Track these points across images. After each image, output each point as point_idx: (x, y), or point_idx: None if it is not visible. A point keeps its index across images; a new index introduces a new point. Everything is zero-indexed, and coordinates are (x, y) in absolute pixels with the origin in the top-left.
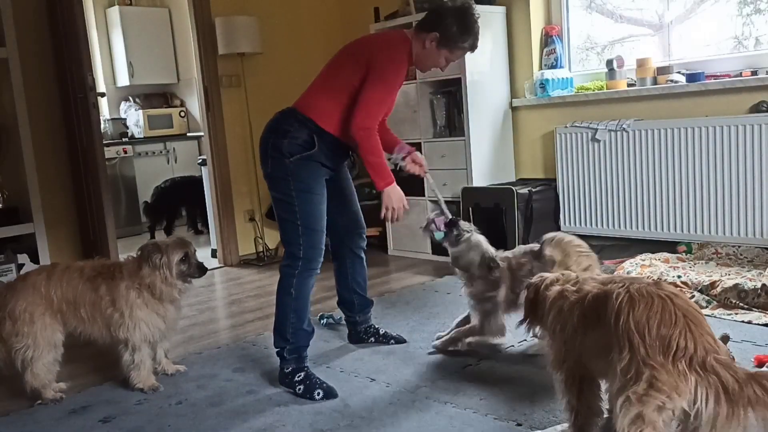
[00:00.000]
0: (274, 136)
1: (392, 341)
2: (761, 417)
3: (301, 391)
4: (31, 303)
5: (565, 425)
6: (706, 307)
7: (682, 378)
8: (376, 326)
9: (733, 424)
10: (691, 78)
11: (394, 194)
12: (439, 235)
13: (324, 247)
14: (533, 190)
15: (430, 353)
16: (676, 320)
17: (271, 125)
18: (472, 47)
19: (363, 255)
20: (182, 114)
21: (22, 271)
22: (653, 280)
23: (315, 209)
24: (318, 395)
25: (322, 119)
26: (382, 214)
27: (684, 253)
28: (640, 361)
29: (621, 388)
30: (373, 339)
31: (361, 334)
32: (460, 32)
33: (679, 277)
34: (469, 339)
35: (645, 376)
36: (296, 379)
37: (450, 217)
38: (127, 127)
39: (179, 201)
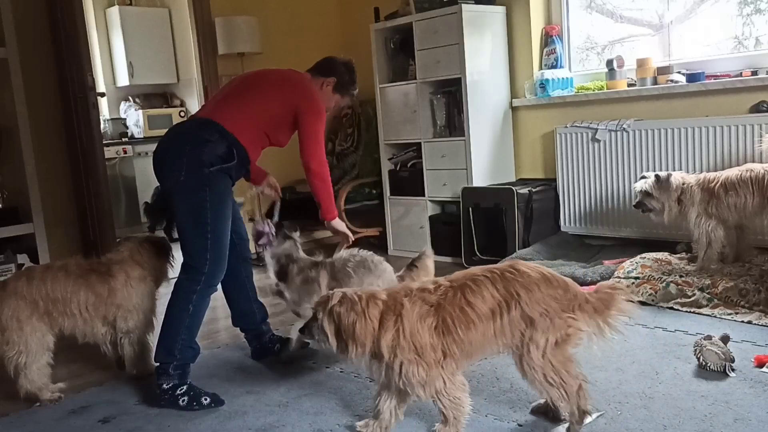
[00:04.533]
0: (192, 144)
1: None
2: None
3: (185, 403)
4: (16, 309)
5: (566, 425)
6: (707, 305)
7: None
8: (276, 334)
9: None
10: (691, 78)
11: (341, 225)
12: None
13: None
14: (533, 190)
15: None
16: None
17: (187, 134)
18: (354, 97)
19: (249, 257)
20: (182, 114)
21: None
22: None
23: (226, 222)
24: (205, 401)
25: (242, 136)
26: (345, 246)
27: (684, 253)
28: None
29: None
30: (279, 346)
31: (267, 344)
32: (351, 81)
33: (680, 276)
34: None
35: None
36: (178, 392)
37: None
38: (127, 127)
39: None
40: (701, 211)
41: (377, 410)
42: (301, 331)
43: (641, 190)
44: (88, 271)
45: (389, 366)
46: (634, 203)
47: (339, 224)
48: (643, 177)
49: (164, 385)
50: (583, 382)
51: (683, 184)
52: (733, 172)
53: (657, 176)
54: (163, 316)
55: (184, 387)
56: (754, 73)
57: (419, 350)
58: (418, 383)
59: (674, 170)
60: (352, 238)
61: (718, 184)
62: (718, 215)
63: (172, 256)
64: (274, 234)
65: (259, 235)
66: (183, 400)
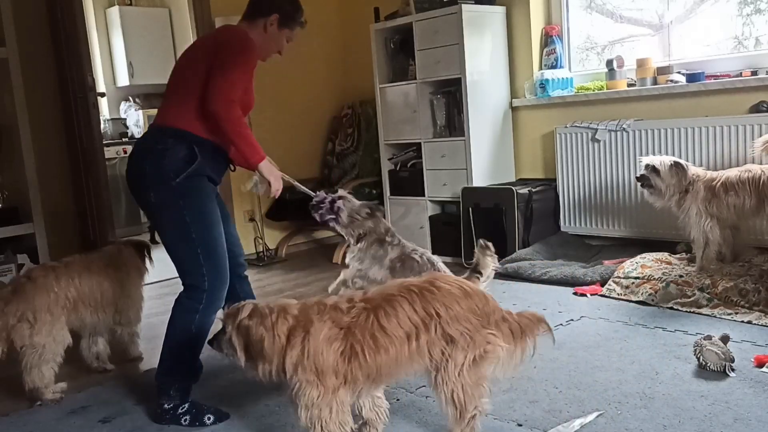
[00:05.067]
0: (150, 158)
1: None
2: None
3: (188, 422)
4: (48, 302)
5: (566, 424)
6: (707, 305)
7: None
8: None
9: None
10: (691, 78)
11: (270, 169)
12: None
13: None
14: (533, 190)
15: None
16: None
17: (144, 148)
18: (303, 24)
19: (246, 275)
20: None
21: (22, 271)
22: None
23: (214, 230)
24: (209, 420)
25: (194, 127)
26: (272, 192)
27: (684, 253)
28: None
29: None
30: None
31: None
32: (294, 9)
33: (680, 276)
34: None
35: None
36: (180, 412)
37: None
38: (127, 127)
39: None
40: (702, 209)
41: (362, 420)
42: (210, 343)
43: (650, 165)
44: (107, 265)
45: (288, 383)
46: (637, 175)
47: (268, 167)
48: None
49: (165, 405)
50: (479, 412)
51: (696, 177)
52: (732, 173)
53: (677, 163)
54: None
55: (186, 405)
56: (754, 73)
57: (320, 373)
58: (305, 405)
59: None
60: (279, 189)
61: (719, 184)
62: (717, 214)
63: (150, 258)
64: (332, 206)
65: (319, 205)
66: (185, 419)
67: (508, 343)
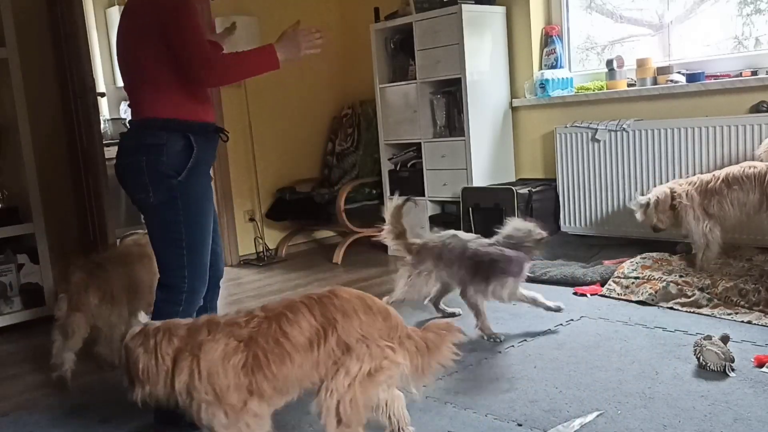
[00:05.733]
0: (146, 156)
1: None
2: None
3: (186, 423)
4: (121, 287)
5: (566, 424)
6: (707, 305)
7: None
8: None
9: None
10: (691, 78)
11: (287, 46)
12: None
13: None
14: (533, 190)
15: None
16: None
17: (132, 145)
18: None
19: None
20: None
21: (22, 271)
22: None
23: (203, 232)
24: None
25: (179, 111)
26: (313, 51)
27: (684, 254)
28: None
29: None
30: None
31: None
32: None
33: (680, 276)
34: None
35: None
36: (178, 413)
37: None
38: (127, 127)
39: None
40: (699, 213)
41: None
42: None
43: (643, 221)
44: (141, 256)
45: (188, 408)
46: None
47: (285, 52)
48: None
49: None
50: None
51: (672, 192)
52: (735, 169)
53: (641, 204)
54: None
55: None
56: (754, 73)
57: (219, 392)
58: (221, 426)
59: (674, 170)
60: (306, 45)
61: (719, 181)
62: (717, 213)
63: None
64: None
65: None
66: (183, 420)
67: (412, 360)
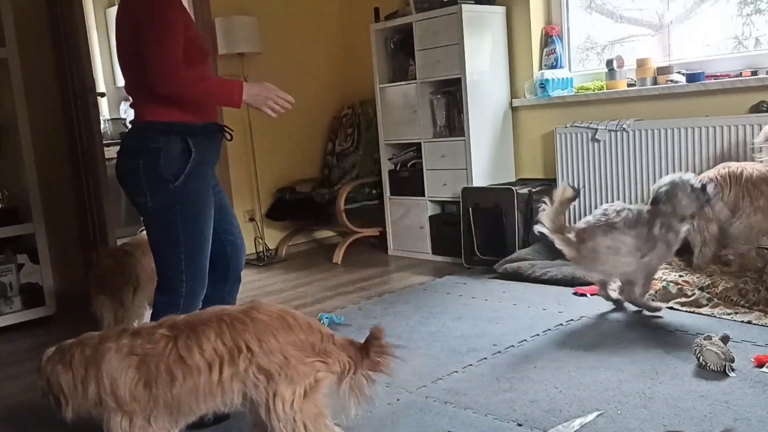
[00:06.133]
0: (144, 159)
1: None
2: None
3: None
4: (146, 274)
5: (566, 424)
6: (707, 305)
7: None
8: None
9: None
10: (691, 78)
11: (255, 90)
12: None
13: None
14: (533, 190)
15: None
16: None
17: (132, 147)
18: None
19: (240, 279)
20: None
21: (22, 271)
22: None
23: (202, 238)
24: (208, 421)
25: (175, 114)
26: (273, 112)
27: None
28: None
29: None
30: None
31: None
32: None
33: (680, 276)
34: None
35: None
36: None
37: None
38: (127, 127)
39: None
40: None
41: None
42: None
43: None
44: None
45: (100, 418)
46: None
47: (252, 96)
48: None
49: None
50: None
51: None
52: (711, 173)
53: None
54: None
55: None
56: (754, 73)
57: (120, 400)
58: None
59: (674, 170)
60: (277, 101)
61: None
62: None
63: None
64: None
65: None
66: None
67: (345, 369)
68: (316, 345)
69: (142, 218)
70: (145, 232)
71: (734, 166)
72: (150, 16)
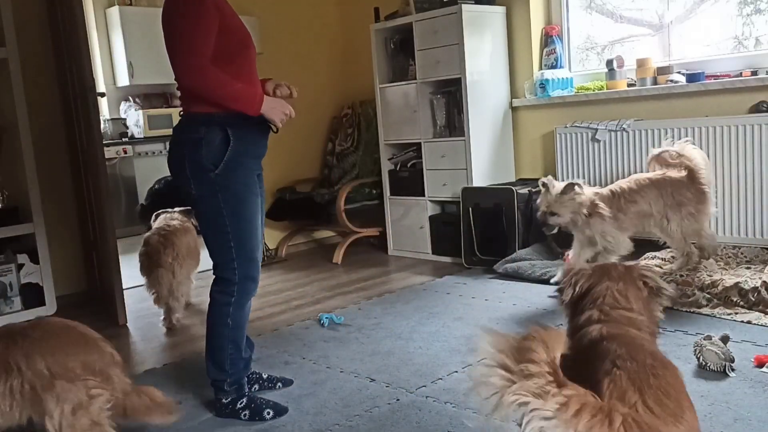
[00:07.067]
0: (188, 149)
1: (279, 384)
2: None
3: (247, 417)
4: (184, 252)
5: None
6: (707, 305)
7: None
8: (258, 372)
9: None
10: (691, 78)
11: (273, 104)
12: None
13: (261, 264)
14: (533, 190)
15: None
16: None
17: (179, 140)
18: None
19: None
20: (182, 114)
21: (22, 271)
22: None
23: (249, 225)
24: (268, 415)
25: (216, 106)
26: (279, 125)
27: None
28: None
29: None
30: (257, 386)
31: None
32: None
33: (681, 276)
34: None
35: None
36: (238, 407)
37: None
38: (127, 127)
39: (174, 201)
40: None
41: None
42: None
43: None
44: (184, 228)
45: None
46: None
47: (269, 108)
48: None
49: (223, 400)
50: None
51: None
52: (624, 184)
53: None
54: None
55: (244, 400)
56: (754, 73)
57: None
58: None
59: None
60: (288, 114)
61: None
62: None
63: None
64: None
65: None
66: (245, 414)
67: (124, 390)
68: (96, 363)
69: (194, 210)
70: (174, 221)
71: (644, 176)
72: (180, 10)
